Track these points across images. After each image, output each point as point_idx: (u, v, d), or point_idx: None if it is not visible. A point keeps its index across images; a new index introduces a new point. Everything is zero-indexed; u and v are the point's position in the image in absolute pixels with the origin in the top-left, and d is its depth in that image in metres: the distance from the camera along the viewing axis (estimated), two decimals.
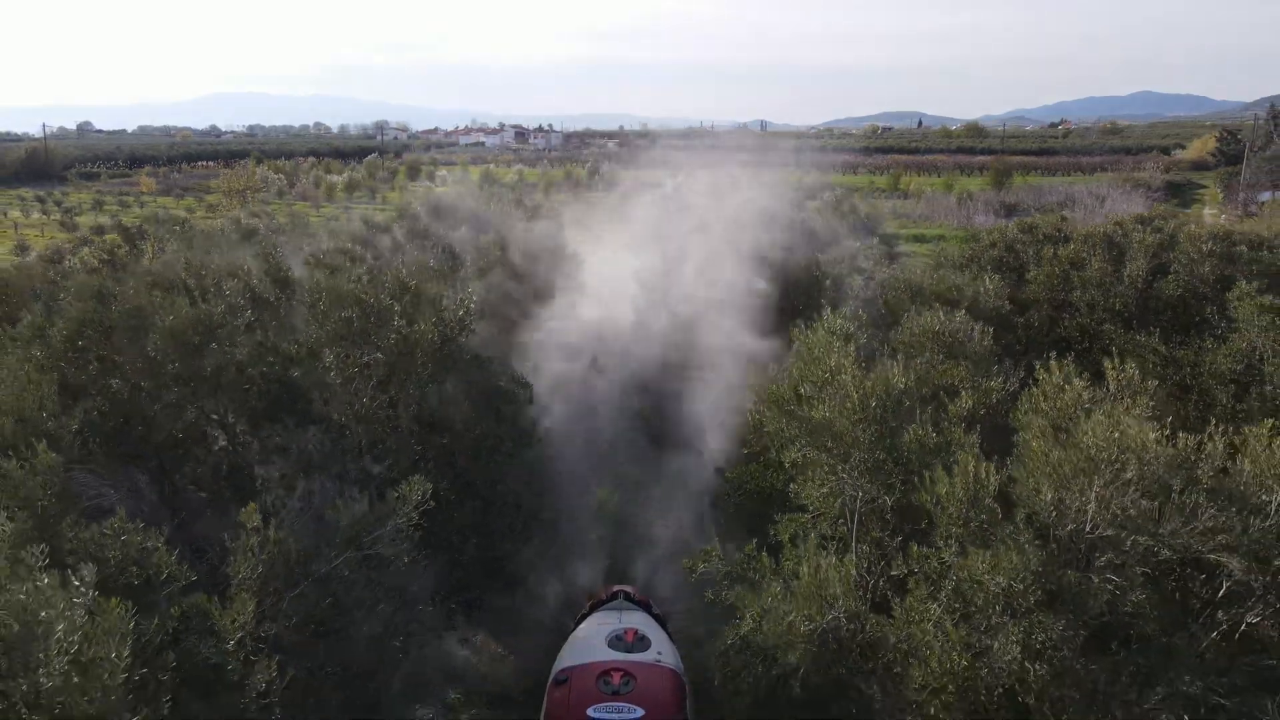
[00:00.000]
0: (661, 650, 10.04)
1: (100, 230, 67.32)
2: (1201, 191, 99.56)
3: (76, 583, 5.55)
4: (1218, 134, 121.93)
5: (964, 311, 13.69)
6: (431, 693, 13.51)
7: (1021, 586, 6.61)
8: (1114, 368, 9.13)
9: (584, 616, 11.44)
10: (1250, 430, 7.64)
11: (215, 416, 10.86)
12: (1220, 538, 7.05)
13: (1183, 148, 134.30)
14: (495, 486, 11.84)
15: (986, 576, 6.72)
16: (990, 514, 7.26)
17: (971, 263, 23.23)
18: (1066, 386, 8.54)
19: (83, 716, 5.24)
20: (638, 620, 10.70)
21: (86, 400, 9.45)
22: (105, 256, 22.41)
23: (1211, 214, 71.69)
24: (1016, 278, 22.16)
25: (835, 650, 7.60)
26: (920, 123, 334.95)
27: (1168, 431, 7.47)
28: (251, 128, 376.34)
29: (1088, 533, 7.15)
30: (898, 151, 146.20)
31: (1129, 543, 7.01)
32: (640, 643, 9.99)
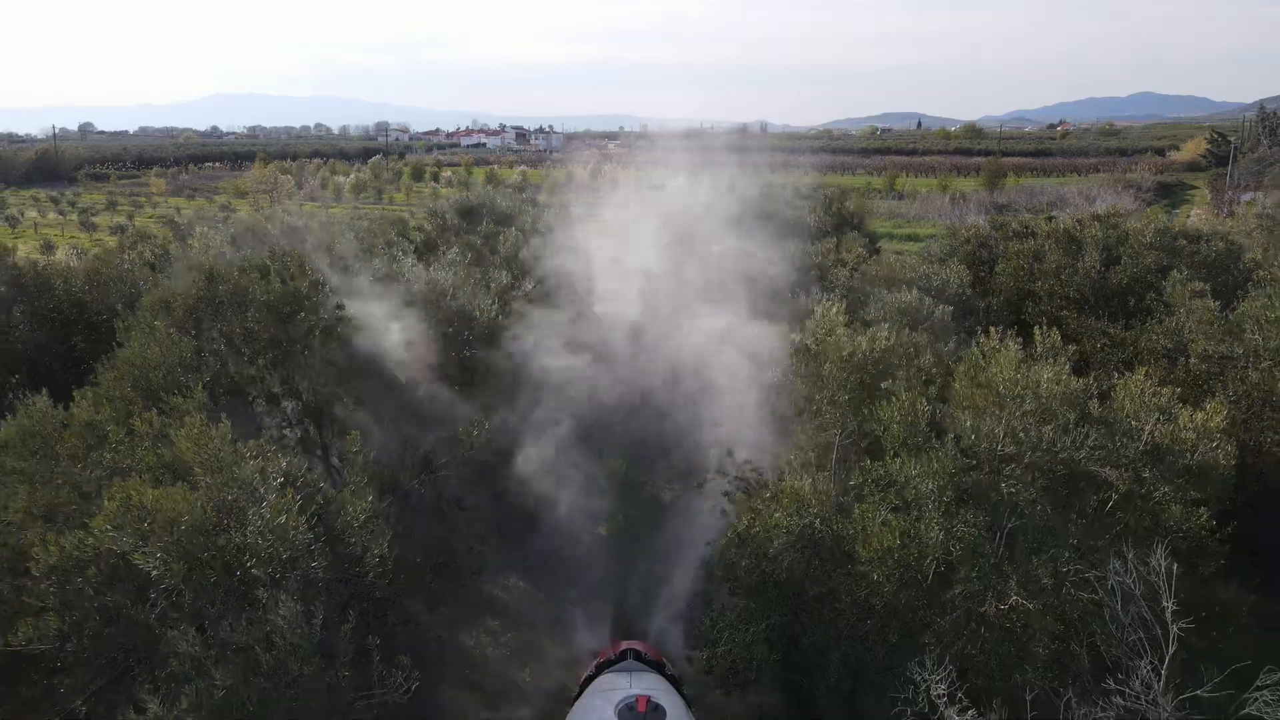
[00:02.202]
0: None
1: (120, 229, 69.56)
2: (1192, 192, 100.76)
3: (272, 471, 7.82)
4: (1208, 135, 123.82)
5: (931, 298, 15.92)
6: (475, 621, 15.77)
7: (942, 485, 8.83)
8: (1042, 334, 11.41)
9: (590, 679, 10.20)
10: (1128, 377, 9.85)
11: (306, 382, 13.13)
12: (1098, 453, 9.28)
13: (1177, 149, 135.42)
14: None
15: (918, 479, 8.93)
16: (924, 436, 9.48)
17: (949, 256, 25.55)
18: (1000, 348, 10.77)
19: (278, 560, 7.48)
20: (651, 683, 9.56)
21: (207, 359, 11.70)
22: (160, 250, 24.63)
23: (1198, 214, 73.41)
24: (988, 270, 24.46)
25: (811, 547, 9.79)
26: (920, 124, 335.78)
27: (1065, 377, 9.70)
28: (253, 129, 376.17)
29: (998, 450, 9.38)
30: (896, 153, 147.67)
31: (1027, 457, 9.24)
32: (654, 713, 8.97)
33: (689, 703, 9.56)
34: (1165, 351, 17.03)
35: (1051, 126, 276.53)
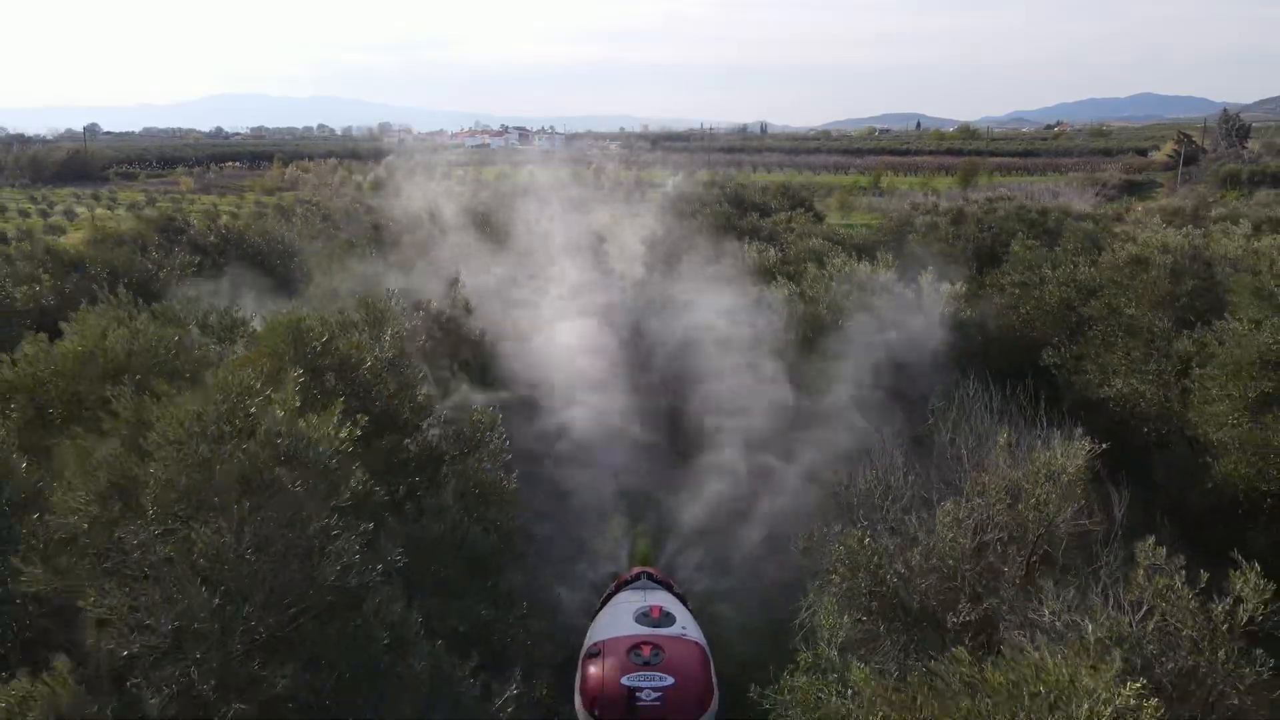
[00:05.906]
0: (685, 625, 10.76)
1: (184, 222, 76.92)
2: (1159, 190, 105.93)
3: None
4: (1175, 136, 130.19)
5: (846, 250, 23.87)
6: None
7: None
8: (881, 256, 19.35)
9: (610, 595, 12.14)
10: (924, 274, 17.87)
11: None
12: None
13: (1158, 149, 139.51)
14: None
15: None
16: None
17: (881, 229, 33.83)
18: (857, 265, 18.83)
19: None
20: (661, 598, 11.39)
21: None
22: (280, 221, 32.48)
23: (1143, 209, 79.92)
24: (905, 239, 32.47)
25: None
26: (919, 124, 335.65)
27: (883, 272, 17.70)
28: (256, 129, 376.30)
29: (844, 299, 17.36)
30: (889, 153, 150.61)
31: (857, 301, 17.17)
32: (666, 618, 10.64)
33: (693, 614, 11.53)
34: (1004, 284, 24.72)
35: (1049, 127, 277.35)
